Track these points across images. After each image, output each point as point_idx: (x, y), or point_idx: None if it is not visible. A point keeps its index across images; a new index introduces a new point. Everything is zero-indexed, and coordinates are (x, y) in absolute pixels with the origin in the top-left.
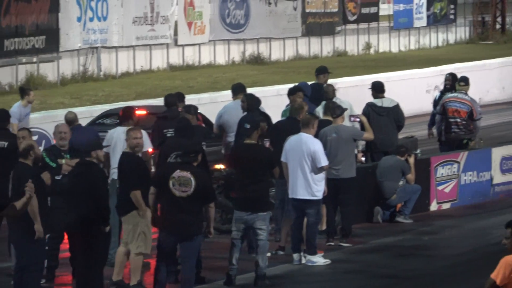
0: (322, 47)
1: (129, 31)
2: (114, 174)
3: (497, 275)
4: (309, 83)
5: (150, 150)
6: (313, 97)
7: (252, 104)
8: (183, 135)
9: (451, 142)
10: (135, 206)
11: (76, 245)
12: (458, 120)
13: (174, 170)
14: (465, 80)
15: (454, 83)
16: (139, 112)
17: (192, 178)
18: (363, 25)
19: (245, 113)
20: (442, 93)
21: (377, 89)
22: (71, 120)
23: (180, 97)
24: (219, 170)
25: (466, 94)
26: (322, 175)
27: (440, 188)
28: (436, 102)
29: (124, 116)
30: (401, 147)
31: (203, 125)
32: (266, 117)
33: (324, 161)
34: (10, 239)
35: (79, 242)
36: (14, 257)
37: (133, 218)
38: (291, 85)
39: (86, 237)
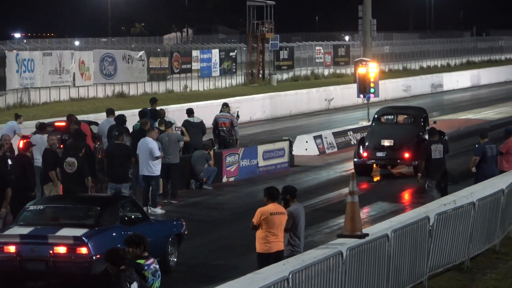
0: (159, 87)
1: (47, 78)
2: (37, 162)
3: (254, 219)
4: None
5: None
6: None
7: (119, 118)
8: (76, 139)
9: (221, 142)
10: (51, 180)
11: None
12: (224, 128)
13: (67, 157)
14: (227, 105)
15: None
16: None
17: (75, 162)
18: (183, 75)
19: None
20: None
21: (189, 111)
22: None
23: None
24: (101, 158)
25: (228, 112)
26: (158, 161)
27: (228, 168)
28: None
29: (40, 128)
30: (205, 145)
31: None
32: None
33: (158, 153)
34: None
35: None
36: None
37: (49, 187)
38: (140, 109)
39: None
